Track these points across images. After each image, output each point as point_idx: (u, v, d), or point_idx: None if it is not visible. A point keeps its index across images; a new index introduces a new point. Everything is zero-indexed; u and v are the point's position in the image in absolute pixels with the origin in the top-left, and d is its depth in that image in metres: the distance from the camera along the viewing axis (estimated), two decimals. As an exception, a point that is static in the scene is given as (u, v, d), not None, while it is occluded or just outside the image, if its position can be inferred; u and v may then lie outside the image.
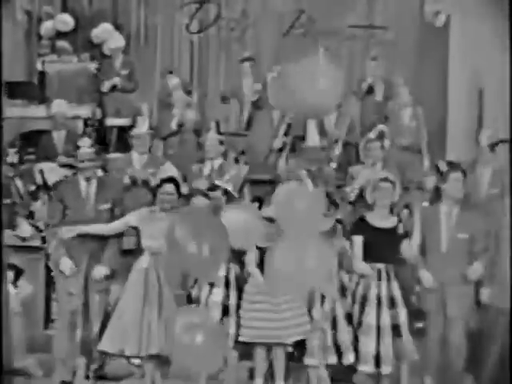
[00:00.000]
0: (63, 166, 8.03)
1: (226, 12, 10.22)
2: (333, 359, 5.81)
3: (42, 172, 7.69)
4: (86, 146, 6.21)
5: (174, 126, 8.97)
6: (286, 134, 8.42)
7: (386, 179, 6.00)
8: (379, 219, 5.97)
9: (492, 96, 8.97)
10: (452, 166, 6.33)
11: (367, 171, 7.20)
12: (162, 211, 6.00)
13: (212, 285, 5.99)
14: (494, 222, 5.99)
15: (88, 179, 6.19)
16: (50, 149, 8.62)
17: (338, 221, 6.02)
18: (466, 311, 5.88)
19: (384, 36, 9.99)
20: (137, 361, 6.34)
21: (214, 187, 6.59)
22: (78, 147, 6.25)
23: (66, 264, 6.03)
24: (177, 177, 6.53)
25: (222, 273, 5.97)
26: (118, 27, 10.69)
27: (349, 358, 5.83)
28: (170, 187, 6.03)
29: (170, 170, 7.31)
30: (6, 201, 6.28)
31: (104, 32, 10.51)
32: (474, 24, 9.15)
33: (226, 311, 5.97)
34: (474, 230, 5.83)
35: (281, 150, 8.40)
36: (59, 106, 9.01)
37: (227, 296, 6.00)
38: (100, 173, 6.62)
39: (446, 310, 5.82)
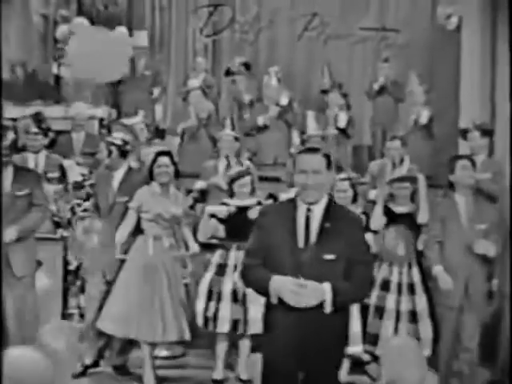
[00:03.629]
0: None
1: (240, 15, 10.35)
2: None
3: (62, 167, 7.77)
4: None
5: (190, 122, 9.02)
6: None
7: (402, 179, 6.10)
8: (399, 205, 6.07)
9: (504, 98, 8.98)
10: (458, 155, 6.36)
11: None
12: (160, 186, 6.09)
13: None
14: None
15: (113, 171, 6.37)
16: (68, 149, 8.70)
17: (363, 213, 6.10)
18: (481, 303, 5.87)
19: (396, 38, 10.05)
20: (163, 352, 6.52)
21: None
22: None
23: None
24: (170, 150, 6.56)
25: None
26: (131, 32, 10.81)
27: (357, 349, 5.84)
28: (165, 159, 6.11)
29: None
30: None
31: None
32: (486, 26, 9.20)
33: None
34: (490, 220, 5.77)
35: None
36: (79, 108, 9.14)
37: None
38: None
39: (464, 303, 5.77)
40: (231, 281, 6.01)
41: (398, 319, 5.85)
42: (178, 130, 9.10)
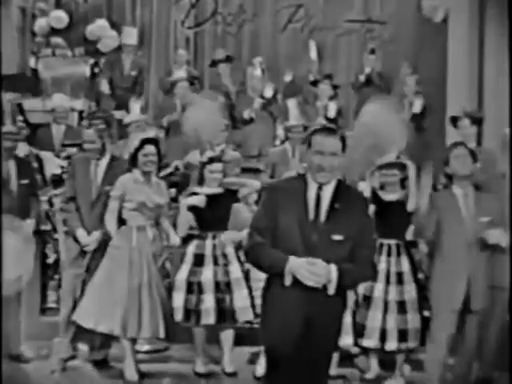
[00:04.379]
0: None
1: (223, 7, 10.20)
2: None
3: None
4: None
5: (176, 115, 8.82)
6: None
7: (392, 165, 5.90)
8: (388, 192, 5.85)
9: (492, 91, 8.90)
10: (452, 144, 6.06)
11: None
12: (143, 174, 5.84)
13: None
14: None
15: (97, 160, 6.05)
16: (47, 143, 8.46)
17: None
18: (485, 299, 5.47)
19: (382, 31, 9.96)
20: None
21: None
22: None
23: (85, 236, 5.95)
24: (157, 137, 6.29)
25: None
26: (112, 24, 10.63)
27: (346, 340, 5.58)
28: (152, 148, 5.86)
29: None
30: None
31: (99, 29, 10.45)
32: (474, 18, 9.12)
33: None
34: (493, 212, 5.34)
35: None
36: (60, 99, 8.88)
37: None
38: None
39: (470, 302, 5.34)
40: (211, 270, 5.80)
41: (385, 309, 5.64)
42: (164, 123, 8.88)
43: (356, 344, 5.73)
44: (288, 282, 3.57)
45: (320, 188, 3.66)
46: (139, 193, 5.78)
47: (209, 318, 5.75)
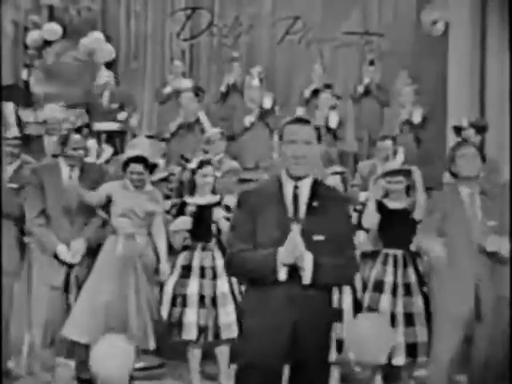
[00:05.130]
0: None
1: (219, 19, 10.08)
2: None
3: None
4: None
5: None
6: None
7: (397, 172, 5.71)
8: (393, 200, 5.64)
9: (494, 103, 8.79)
10: (458, 142, 5.82)
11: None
12: (133, 187, 5.65)
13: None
14: None
15: (72, 166, 5.73)
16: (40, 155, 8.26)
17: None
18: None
19: (380, 44, 9.84)
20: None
21: None
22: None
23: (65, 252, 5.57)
24: (144, 154, 5.87)
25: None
26: (107, 38, 10.49)
27: (351, 355, 5.32)
28: (138, 167, 5.63)
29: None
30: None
31: (94, 42, 10.31)
32: (476, 32, 9.03)
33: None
34: (500, 215, 5.04)
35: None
36: (52, 110, 8.71)
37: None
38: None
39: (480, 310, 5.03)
40: (197, 283, 5.55)
41: (392, 322, 5.40)
42: (171, 129, 8.70)
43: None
44: (283, 275, 3.36)
45: (296, 187, 3.49)
46: (126, 199, 5.57)
47: (190, 333, 5.48)
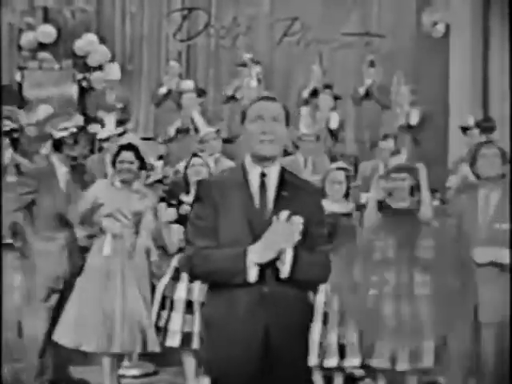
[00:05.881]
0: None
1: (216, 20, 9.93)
2: (333, 362, 5.15)
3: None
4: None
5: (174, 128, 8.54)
6: None
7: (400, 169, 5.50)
8: (397, 200, 5.40)
9: (496, 105, 8.68)
10: (481, 142, 5.60)
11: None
12: (121, 183, 5.46)
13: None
14: None
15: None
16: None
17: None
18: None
19: (380, 45, 9.72)
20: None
21: None
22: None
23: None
24: (137, 144, 5.75)
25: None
26: (101, 39, 10.32)
27: (353, 361, 5.16)
28: (129, 154, 5.46)
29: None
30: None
31: (88, 43, 10.14)
32: (474, 32, 8.93)
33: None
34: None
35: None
36: (46, 111, 8.53)
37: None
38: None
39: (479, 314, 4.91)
40: (185, 288, 5.32)
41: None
42: (171, 133, 8.58)
43: (363, 365, 5.25)
44: (253, 277, 2.97)
45: (263, 174, 3.12)
46: (113, 198, 5.39)
47: (173, 340, 5.25)
